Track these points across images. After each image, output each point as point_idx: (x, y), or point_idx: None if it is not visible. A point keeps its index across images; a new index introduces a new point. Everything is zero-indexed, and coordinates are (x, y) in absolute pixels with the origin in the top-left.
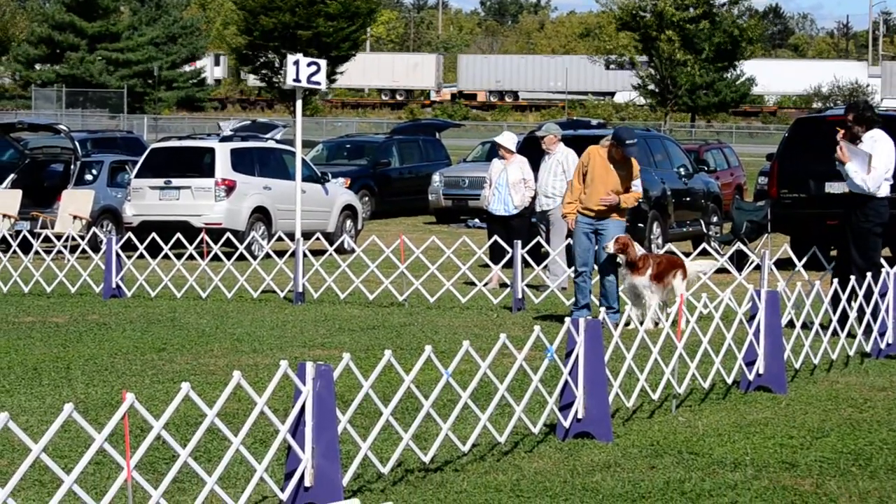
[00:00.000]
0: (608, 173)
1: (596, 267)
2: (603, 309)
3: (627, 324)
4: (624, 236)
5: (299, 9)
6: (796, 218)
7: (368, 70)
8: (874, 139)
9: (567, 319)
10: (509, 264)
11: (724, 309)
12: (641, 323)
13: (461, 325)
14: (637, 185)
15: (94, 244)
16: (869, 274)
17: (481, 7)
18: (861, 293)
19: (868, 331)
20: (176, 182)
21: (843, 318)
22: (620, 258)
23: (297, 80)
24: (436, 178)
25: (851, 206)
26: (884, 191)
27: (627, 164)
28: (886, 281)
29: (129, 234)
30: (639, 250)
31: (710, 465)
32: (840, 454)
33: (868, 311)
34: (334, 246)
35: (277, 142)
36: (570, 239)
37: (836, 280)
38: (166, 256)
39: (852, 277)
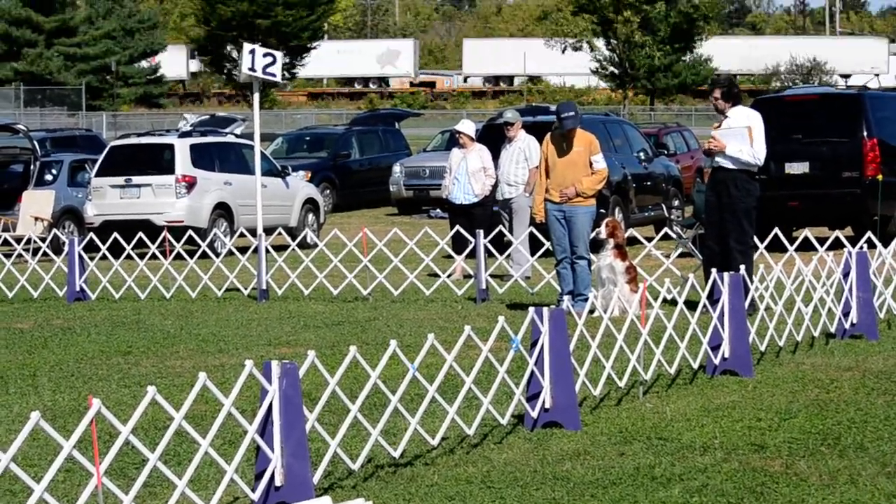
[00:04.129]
0: (564, 154)
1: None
2: (567, 297)
3: (592, 311)
4: (613, 219)
5: None
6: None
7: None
8: (747, 115)
9: (531, 309)
10: (473, 254)
11: (688, 293)
12: (605, 311)
13: (426, 317)
14: (599, 161)
15: (57, 246)
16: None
17: None
18: (752, 288)
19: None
20: (136, 180)
21: (753, 304)
22: (609, 240)
23: (252, 69)
24: (396, 168)
25: (728, 186)
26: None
27: (582, 139)
28: (849, 261)
29: (91, 234)
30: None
31: (680, 450)
32: (808, 434)
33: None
34: (297, 241)
35: (237, 136)
36: (532, 227)
37: (714, 270)
38: (129, 257)
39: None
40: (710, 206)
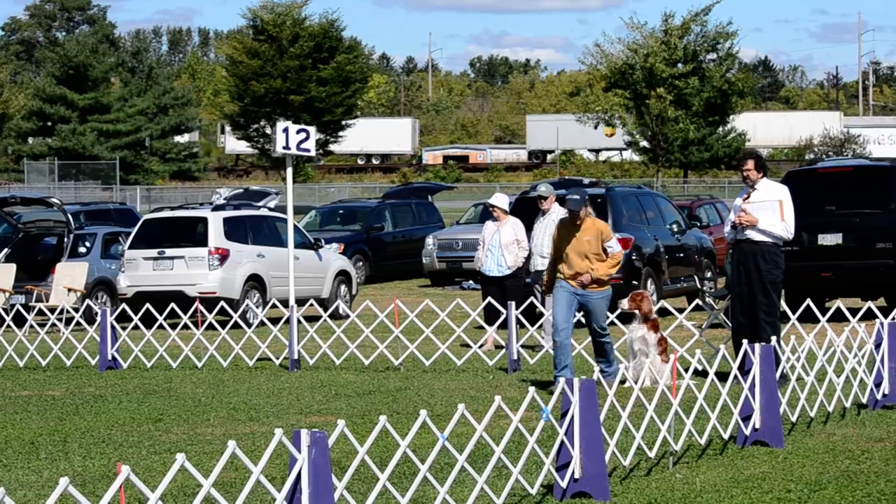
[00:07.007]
0: (575, 240)
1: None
2: (598, 368)
3: (623, 382)
4: (639, 292)
5: (291, 74)
6: (790, 270)
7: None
8: (776, 188)
9: (561, 380)
10: (504, 325)
11: (719, 364)
12: (636, 381)
13: (457, 387)
14: (613, 246)
15: (89, 316)
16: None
17: (471, 68)
18: (784, 359)
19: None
20: (169, 252)
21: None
22: (636, 312)
23: (286, 147)
24: (429, 241)
25: (756, 259)
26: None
27: (592, 228)
28: (881, 331)
29: (124, 305)
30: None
31: None
32: None
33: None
34: (329, 312)
35: (271, 209)
36: None
37: (745, 341)
38: (161, 327)
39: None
40: (737, 278)
